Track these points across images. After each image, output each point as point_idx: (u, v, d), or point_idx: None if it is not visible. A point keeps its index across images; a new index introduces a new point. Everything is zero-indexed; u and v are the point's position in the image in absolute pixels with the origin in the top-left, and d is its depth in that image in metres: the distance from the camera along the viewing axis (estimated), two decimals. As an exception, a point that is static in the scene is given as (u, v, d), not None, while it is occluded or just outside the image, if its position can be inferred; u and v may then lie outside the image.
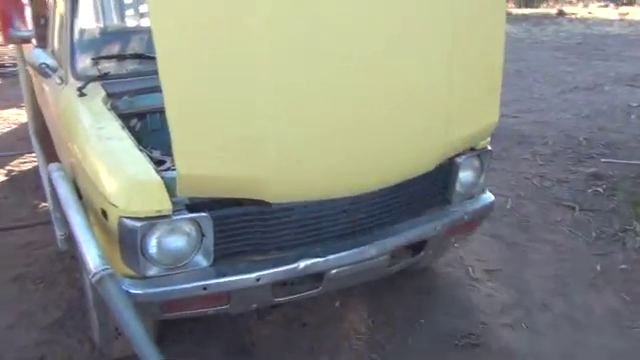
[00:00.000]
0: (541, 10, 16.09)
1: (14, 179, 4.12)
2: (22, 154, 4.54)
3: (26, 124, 5.21)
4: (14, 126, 5.37)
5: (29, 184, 3.99)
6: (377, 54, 1.74)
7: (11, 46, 8.48)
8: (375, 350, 2.35)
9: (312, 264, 1.92)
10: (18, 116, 5.65)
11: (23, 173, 4.23)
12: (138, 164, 1.81)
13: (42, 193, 3.65)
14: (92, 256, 1.59)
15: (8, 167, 4.33)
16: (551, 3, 17.15)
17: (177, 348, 2.31)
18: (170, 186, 1.72)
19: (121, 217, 1.70)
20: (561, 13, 14.83)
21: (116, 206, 1.71)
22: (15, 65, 7.37)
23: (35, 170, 4.17)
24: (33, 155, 4.36)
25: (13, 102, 6.05)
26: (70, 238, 2.37)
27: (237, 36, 1.57)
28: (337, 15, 1.67)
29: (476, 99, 2.03)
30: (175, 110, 1.53)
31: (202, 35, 1.54)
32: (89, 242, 1.65)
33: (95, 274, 1.53)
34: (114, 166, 1.82)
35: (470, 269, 2.96)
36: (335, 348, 2.37)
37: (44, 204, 3.65)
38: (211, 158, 1.62)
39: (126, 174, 1.77)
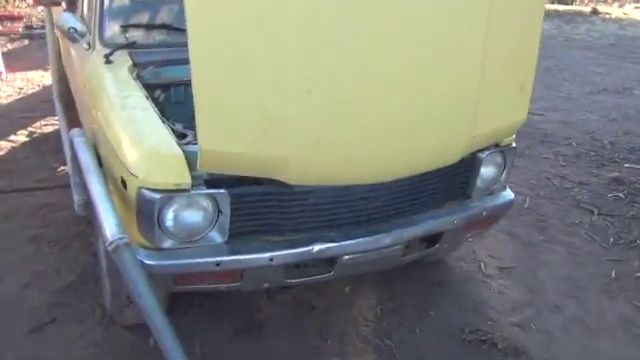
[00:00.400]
0: (574, 7, 15.73)
1: (35, 141, 4.16)
2: (45, 116, 4.58)
3: (50, 87, 5.27)
4: (38, 88, 5.41)
5: (49, 147, 4.03)
6: (407, 41, 1.70)
7: (40, 8, 8.53)
8: (382, 338, 2.35)
9: (326, 248, 1.91)
10: (42, 78, 5.69)
11: (44, 135, 4.27)
12: (160, 136, 1.81)
13: (62, 156, 3.69)
14: (110, 224, 1.59)
15: (30, 128, 4.37)
16: (585, 1, 16.75)
17: (186, 320, 2.33)
18: (190, 160, 1.72)
19: (140, 188, 1.70)
20: (595, 12, 14.48)
21: (136, 176, 1.71)
22: (43, 27, 7.44)
23: (56, 133, 4.21)
24: (55, 118, 4.41)
25: (39, 64, 6.09)
26: (88, 204, 2.39)
27: (266, 14, 1.54)
28: (370, 2, 1.64)
29: (506, 95, 1.98)
30: (201, 85, 1.52)
31: (232, 12, 1.52)
32: (107, 210, 1.65)
33: (111, 242, 1.54)
34: (136, 136, 1.82)
35: (482, 265, 2.94)
36: (343, 333, 2.37)
37: (63, 167, 3.69)
38: (233, 135, 1.61)
39: (148, 145, 1.77)
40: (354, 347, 2.31)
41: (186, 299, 2.41)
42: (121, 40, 2.49)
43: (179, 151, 1.73)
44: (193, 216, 1.77)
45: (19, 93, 5.21)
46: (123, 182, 1.79)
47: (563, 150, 4.68)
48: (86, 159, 1.94)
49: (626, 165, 4.38)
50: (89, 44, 2.54)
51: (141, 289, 1.52)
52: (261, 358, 2.23)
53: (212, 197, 1.76)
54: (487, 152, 2.19)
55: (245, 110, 1.61)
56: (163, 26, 2.61)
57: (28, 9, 8.78)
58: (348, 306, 2.55)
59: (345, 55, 1.64)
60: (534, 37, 1.99)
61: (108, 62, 2.33)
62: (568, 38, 10.58)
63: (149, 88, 2.24)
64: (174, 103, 2.43)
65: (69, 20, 2.53)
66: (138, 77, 2.28)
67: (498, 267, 2.93)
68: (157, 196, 1.68)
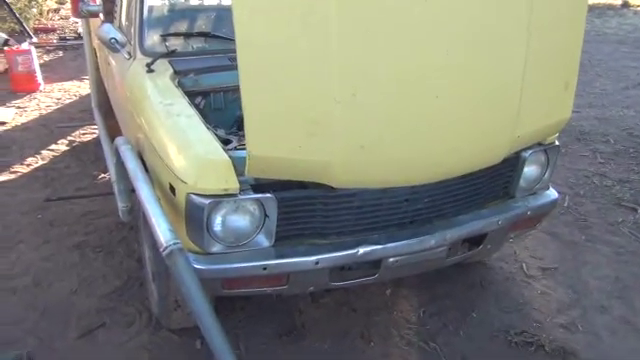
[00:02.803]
0: (604, 1, 15.39)
1: (75, 149, 4.26)
2: (83, 125, 4.69)
3: (86, 96, 5.41)
4: (75, 98, 5.54)
5: (89, 155, 4.12)
6: (449, 44, 1.70)
7: (72, 20, 8.75)
8: (426, 340, 2.34)
9: (371, 251, 1.92)
10: (78, 88, 5.82)
11: (84, 144, 4.37)
12: (207, 142, 1.84)
13: (102, 164, 3.78)
14: (162, 230, 1.62)
15: (70, 137, 4.47)
16: (615, -7, 16.35)
17: (230, 323, 2.36)
18: (237, 165, 1.74)
19: (189, 193, 1.73)
20: (626, 4, 14.13)
21: (185, 182, 1.74)
22: (76, 39, 7.63)
23: (95, 142, 4.32)
24: (93, 127, 4.51)
25: (74, 74, 6.24)
26: (132, 210, 2.45)
27: (311, 21, 1.56)
28: (410, 3, 1.64)
29: (550, 94, 1.96)
30: (249, 92, 1.54)
31: (278, 19, 1.55)
32: (159, 216, 1.68)
33: (166, 248, 1.57)
34: (184, 143, 1.86)
35: (524, 265, 2.90)
36: (385, 336, 2.37)
37: (103, 175, 3.77)
38: (281, 140, 1.63)
39: (196, 152, 1.80)
40: (398, 349, 2.30)
41: (229, 302, 2.44)
42: (161, 49, 2.54)
43: (226, 157, 1.76)
44: (240, 220, 1.79)
45: (57, 103, 5.35)
46: (171, 188, 1.83)
47: (601, 147, 4.58)
48: (133, 166, 1.98)
49: (667, 161, 4.27)
50: (130, 54, 2.59)
51: (194, 293, 1.55)
52: (305, 360, 2.24)
53: (259, 201, 1.78)
54: (530, 151, 2.16)
55: (291, 115, 1.63)
56: (201, 34, 2.66)
57: (61, 21, 8.99)
58: (389, 309, 2.54)
59: (389, 58, 1.65)
60: (578, 34, 1.96)
61: (150, 71, 2.38)
62: (599, 32, 10.35)
63: (190, 95, 2.28)
64: (214, 110, 2.47)
65: (110, 31, 2.59)
66: (179, 85, 2.32)
67: (540, 267, 2.89)
68: (206, 201, 1.71)
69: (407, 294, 2.64)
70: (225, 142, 1.97)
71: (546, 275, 2.83)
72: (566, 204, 3.54)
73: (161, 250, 1.59)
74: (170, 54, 2.50)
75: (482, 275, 2.81)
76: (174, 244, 1.57)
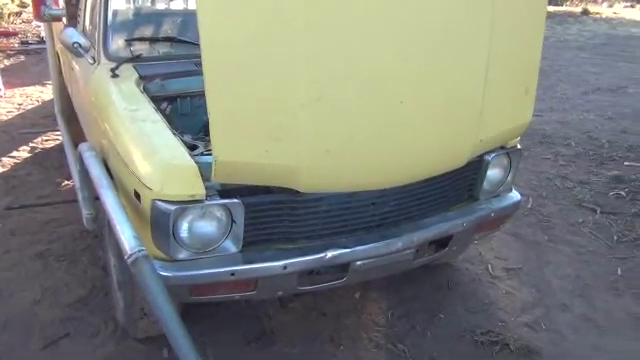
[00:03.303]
0: (565, 8, 15.87)
1: (37, 156, 4.16)
2: (45, 132, 4.58)
3: (49, 101, 5.29)
4: (37, 103, 5.42)
5: (52, 162, 4.03)
6: (413, 48, 1.73)
7: (34, 24, 8.56)
8: (394, 342, 2.36)
9: (339, 255, 1.93)
10: (41, 93, 5.70)
11: (46, 150, 4.28)
12: (173, 148, 1.82)
13: (65, 171, 3.70)
14: (127, 237, 1.60)
15: (32, 144, 4.37)
16: (575, 2, 16.90)
17: (198, 331, 2.32)
18: (203, 171, 1.73)
19: (154, 200, 1.71)
20: (585, 12, 14.62)
21: (150, 189, 1.72)
22: (38, 43, 7.47)
23: (58, 148, 4.23)
24: (56, 133, 4.42)
25: (36, 79, 6.11)
26: (97, 218, 2.40)
27: (276, 25, 1.56)
28: (374, 8, 1.66)
29: (511, 98, 2.02)
30: (214, 97, 1.54)
31: (243, 23, 1.55)
32: (124, 223, 1.66)
33: (131, 255, 1.55)
34: (149, 149, 1.84)
35: (489, 266, 2.96)
36: (354, 339, 2.38)
37: (67, 182, 3.70)
38: (247, 145, 1.63)
39: (161, 157, 1.79)
40: (367, 352, 2.32)
41: (196, 309, 2.41)
42: (126, 53, 2.51)
43: (192, 162, 1.75)
44: (207, 226, 1.78)
45: (19, 109, 5.22)
46: (137, 195, 1.80)
47: (562, 150, 4.72)
48: (98, 173, 1.94)
49: (625, 163, 4.42)
50: (94, 58, 2.55)
51: (160, 301, 1.53)
52: (275, 366, 2.24)
53: (226, 207, 1.77)
54: (493, 154, 2.21)
55: (257, 120, 1.63)
56: (167, 39, 2.63)
57: (23, 25, 8.79)
58: (359, 312, 2.56)
59: (353, 63, 1.66)
60: (537, 40, 2.02)
61: (114, 76, 2.35)
62: (560, 39, 10.67)
63: (155, 100, 2.25)
64: (180, 115, 2.45)
65: (73, 35, 2.54)
66: (145, 90, 2.29)
67: (505, 268, 2.96)
68: (172, 207, 1.69)
69: (376, 297, 2.66)
70: (192, 148, 1.95)
71: (510, 275, 2.90)
72: (529, 206, 3.63)
73: (126, 258, 1.56)
74: (135, 59, 2.47)
75: (449, 276, 2.85)
76: (139, 251, 1.55)
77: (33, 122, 4.86)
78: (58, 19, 3.25)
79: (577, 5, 16.34)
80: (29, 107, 5.30)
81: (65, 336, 2.31)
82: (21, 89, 5.78)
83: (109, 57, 2.49)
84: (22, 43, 7.67)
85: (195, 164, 1.74)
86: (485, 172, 2.23)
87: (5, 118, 4.97)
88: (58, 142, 4.35)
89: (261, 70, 1.58)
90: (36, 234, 3.07)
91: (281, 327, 2.44)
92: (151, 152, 1.82)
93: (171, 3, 2.93)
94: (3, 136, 4.51)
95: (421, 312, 2.56)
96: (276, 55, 1.58)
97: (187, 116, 2.47)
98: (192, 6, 2.82)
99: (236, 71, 1.56)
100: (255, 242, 1.89)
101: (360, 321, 2.50)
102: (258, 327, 2.42)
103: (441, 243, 2.25)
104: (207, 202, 1.74)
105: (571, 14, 14.57)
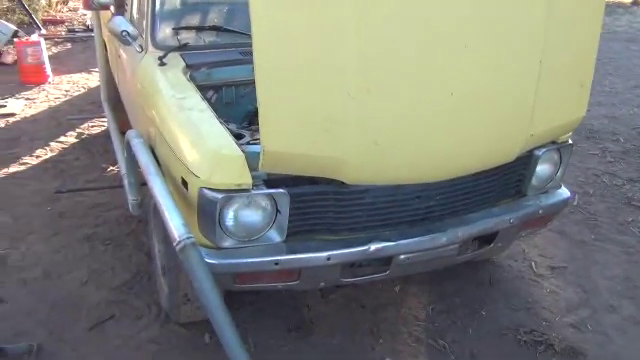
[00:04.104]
0: (614, -2, 15.27)
1: (84, 142, 4.27)
2: (92, 118, 4.69)
3: (95, 89, 5.42)
4: (83, 90, 5.55)
5: (98, 147, 4.13)
6: (465, 39, 1.68)
7: (80, 12, 8.76)
8: (435, 338, 2.34)
9: (383, 248, 1.91)
10: (87, 80, 5.83)
11: (92, 136, 4.38)
12: (221, 137, 1.83)
13: (110, 157, 3.79)
14: (176, 224, 1.62)
15: (79, 130, 4.48)
16: (626, -9, 16.22)
17: (239, 318, 2.35)
18: (250, 161, 1.74)
19: (202, 188, 1.73)
20: (636, 2, 14.02)
21: (198, 177, 1.74)
22: (84, 31, 7.64)
23: (104, 134, 4.32)
24: (102, 119, 4.52)
25: (82, 66, 6.25)
26: (142, 204, 2.45)
27: (328, 16, 1.55)
28: (427, 2, 1.63)
29: (565, 92, 1.95)
30: (265, 88, 1.53)
31: (295, 14, 1.54)
32: (172, 210, 1.68)
33: (179, 242, 1.57)
34: (197, 137, 1.85)
35: (533, 264, 2.89)
36: (394, 332, 2.37)
37: (112, 168, 3.78)
38: (295, 136, 1.62)
39: (210, 146, 1.80)
40: (406, 346, 2.30)
41: (238, 297, 2.44)
42: (173, 42, 2.53)
43: (240, 152, 1.76)
44: (253, 215, 1.79)
45: (66, 95, 5.35)
46: (184, 182, 1.83)
47: (610, 146, 4.56)
48: (146, 160, 1.97)
49: (678, 161, 4.24)
50: (141, 47, 2.58)
51: (206, 288, 1.55)
52: (314, 355, 2.24)
53: (271, 197, 1.78)
54: (544, 149, 2.15)
55: (306, 111, 1.62)
56: (213, 27, 2.64)
57: (70, 13, 9.00)
58: (398, 305, 2.54)
59: (404, 55, 1.64)
60: (594, 32, 1.95)
61: (162, 64, 2.38)
62: (609, 30, 10.26)
63: (201, 89, 2.27)
64: (225, 104, 2.46)
65: (122, 23, 2.57)
66: (191, 78, 2.31)
67: (549, 266, 2.88)
68: (219, 196, 1.70)
69: (416, 291, 2.64)
70: (238, 137, 1.96)
71: (555, 274, 2.82)
72: (575, 203, 3.53)
73: (174, 244, 1.59)
74: (182, 48, 2.49)
75: (491, 273, 2.80)
76: (187, 238, 1.57)
77: (80, 108, 4.98)
78: (106, 8, 3.29)
79: (627, -5, 15.69)
80: (76, 94, 5.43)
81: (110, 318, 2.38)
82: (68, 76, 5.93)
83: (156, 46, 2.51)
84: (69, 31, 7.85)
85: (242, 153, 1.75)
86: (534, 167, 2.17)
87: (53, 104, 5.10)
88: (104, 128, 4.45)
89: (311, 62, 1.57)
90: (83, 218, 3.16)
91: (321, 317, 2.44)
92: (199, 141, 1.83)
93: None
94: (51, 121, 4.64)
95: (462, 308, 2.53)
96: (327, 46, 1.56)
97: (231, 105, 2.48)
98: (239, -5, 2.83)
99: (286, 63, 1.55)
100: (299, 232, 1.89)
101: (400, 315, 2.48)
102: (298, 316, 2.44)
103: (486, 239, 2.20)
104: (253, 191, 1.74)
105: (620, 4, 13.99)
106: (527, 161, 2.16)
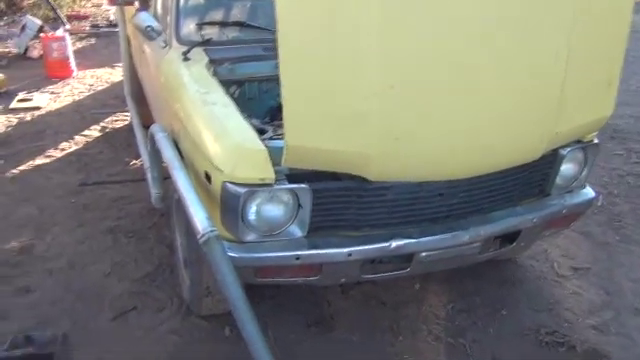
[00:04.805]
0: (641, -5, 14.96)
1: (108, 135, 4.33)
2: (115, 112, 4.75)
3: (118, 83, 5.48)
4: (107, 85, 5.62)
5: (121, 141, 4.18)
6: (491, 35, 1.67)
7: (104, 7, 8.86)
8: (455, 336, 2.32)
9: (404, 244, 1.91)
10: (110, 75, 5.90)
11: (116, 130, 4.44)
12: (244, 131, 1.85)
13: (133, 150, 3.83)
14: (200, 218, 1.64)
15: (102, 124, 4.54)
16: (653, -12, 15.89)
17: (260, 312, 2.35)
18: (273, 155, 1.75)
19: (225, 182, 1.74)
20: (664, 0, 13.72)
21: (222, 171, 1.75)
22: (108, 26, 7.73)
23: (127, 128, 4.38)
24: (125, 114, 4.57)
25: (106, 61, 6.32)
26: (165, 197, 2.48)
27: (351, 13, 1.54)
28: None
29: (592, 90, 1.92)
30: (289, 82, 1.54)
31: (320, 10, 1.54)
32: (196, 204, 1.70)
33: (203, 235, 1.59)
34: (221, 132, 1.87)
35: (555, 264, 2.86)
36: (414, 330, 2.36)
37: (135, 161, 3.83)
38: (319, 131, 1.63)
39: (233, 141, 1.81)
40: (426, 344, 2.29)
41: (259, 290, 2.45)
42: (197, 38, 2.55)
43: (263, 146, 1.77)
44: (275, 210, 1.80)
45: (89, 90, 5.43)
46: (207, 176, 1.84)
47: (636, 146, 4.46)
48: (170, 154, 2.00)
49: None
50: (165, 42, 2.61)
51: (229, 280, 1.57)
52: (333, 351, 2.25)
53: (293, 192, 1.78)
54: (569, 149, 2.12)
55: (329, 106, 1.62)
56: (236, 23, 2.66)
57: (93, 9, 9.11)
58: (418, 303, 2.53)
59: (428, 51, 1.62)
60: (623, 29, 1.91)
61: (186, 59, 2.40)
62: (637, 29, 10.05)
63: (224, 84, 2.28)
64: (247, 99, 2.48)
65: (147, 19, 2.61)
66: (215, 73, 2.33)
67: (572, 267, 2.84)
68: (242, 190, 1.72)
69: (436, 289, 2.63)
70: (260, 132, 1.97)
71: (578, 275, 2.79)
72: (600, 203, 3.46)
73: (198, 237, 1.60)
74: (205, 43, 2.51)
75: (512, 273, 2.77)
76: (211, 232, 1.59)
77: (103, 103, 5.05)
78: (130, 3, 3.34)
79: (655, -7, 15.36)
80: (99, 88, 5.51)
81: (133, 309, 2.42)
82: (92, 71, 6.01)
83: (180, 41, 2.54)
84: (93, 26, 7.95)
85: (265, 148, 1.76)
86: (559, 166, 2.14)
87: (77, 98, 5.18)
88: (127, 122, 4.50)
89: (336, 56, 1.57)
90: (106, 210, 3.21)
91: (341, 313, 2.45)
92: (223, 135, 1.85)
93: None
94: (76, 115, 4.71)
95: (483, 307, 2.51)
96: (351, 41, 1.56)
97: (254, 100, 2.50)
98: (261, -9, 2.84)
99: (311, 57, 1.56)
100: (320, 228, 1.90)
101: (420, 312, 2.47)
102: (318, 312, 2.44)
103: (508, 238, 2.18)
104: (276, 186, 1.75)
105: (648, 2, 13.72)
106: (552, 160, 2.13)
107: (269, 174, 1.73)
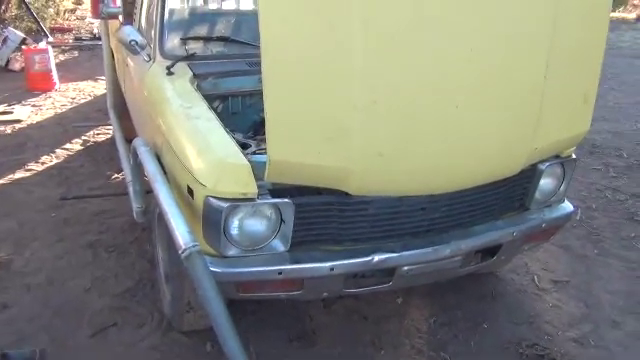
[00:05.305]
0: (617, 14, 15.35)
1: (89, 149, 4.30)
2: (97, 126, 4.72)
3: (100, 96, 5.46)
4: (89, 97, 5.59)
5: (103, 155, 4.16)
6: (471, 53, 1.70)
7: (87, 20, 8.84)
8: (437, 350, 2.33)
9: (386, 259, 1.92)
10: (93, 88, 5.87)
11: (98, 144, 4.41)
12: (227, 146, 1.85)
13: (115, 165, 3.81)
14: (181, 232, 1.64)
15: (84, 137, 4.51)
16: (629, 8, 16.31)
17: (241, 327, 2.34)
18: (256, 170, 1.75)
19: (208, 196, 1.74)
20: (639, 18, 14.10)
21: (204, 185, 1.75)
22: (91, 39, 7.71)
23: (108, 142, 4.35)
24: (107, 127, 4.55)
25: (89, 74, 6.30)
26: (147, 211, 2.47)
27: (335, 28, 1.57)
28: (432, 12, 1.64)
29: (569, 106, 1.96)
30: (272, 97, 1.55)
31: (303, 25, 1.56)
32: (178, 218, 1.69)
33: (185, 250, 1.58)
34: (204, 146, 1.87)
35: (536, 278, 2.89)
36: (396, 344, 2.37)
37: (116, 175, 3.80)
38: (301, 146, 1.64)
39: (216, 155, 1.81)
40: (408, 358, 2.30)
41: (241, 306, 2.44)
42: (181, 52, 2.56)
43: (246, 161, 1.77)
44: (257, 225, 1.80)
45: (72, 103, 5.40)
46: (189, 190, 1.84)
47: (613, 161, 4.56)
48: (152, 168, 1.99)
49: (681, 177, 4.24)
50: (149, 56, 2.61)
51: (211, 296, 1.56)
52: (316, 366, 2.24)
53: (276, 206, 1.79)
54: (547, 164, 2.16)
55: (312, 121, 1.64)
56: (220, 38, 2.67)
57: (77, 21, 9.08)
58: (400, 317, 2.54)
59: (410, 67, 1.65)
60: (598, 46, 1.96)
61: (169, 73, 2.40)
62: (613, 46, 10.31)
63: (208, 99, 2.29)
64: (231, 113, 2.49)
65: (131, 33, 2.61)
66: (198, 88, 2.34)
67: (552, 280, 2.88)
68: (225, 204, 1.72)
69: (418, 303, 2.64)
70: (243, 146, 1.98)
71: (558, 288, 2.82)
72: (578, 217, 3.52)
73: (180, 252, 1.60)
74: (189, 57, 2.51)
75: (493, 286, 2.80)
76: (193, 246, 1.58)
77: (86, 116, 5.02)
78: (115, 17, 3.34)
79: (631, 11, 15.77)
80: (82, 101, 5.48)
81: (113, 325, 2.38)
82: (74, 83, 5.98)
83: (164, 55, 2.54)
84: (76, 39, 7.93)
85: (248, 163, 1.76)
86: (538, 181, 2.18)
87: (59, 111, 5.15)
88: (109, 136, 4.48)
89: (318, 72, 1.59)
90: (87, 224, 3.18)
91: (322, 328, 2.44)
92: (206, 149, 1.85)
93: (224, 3, 2.97)
94: (58, 128, 4.68)
95: (464, 321, 2.52)
96: (334, 57, 1.58)
97: (237, 115, 2.50)
98: (246, 7, 2.87)
99: (293, 73, 1.57)
100: (302, 242, 1.90)
101: (402, 326, 2.48)
102: (300, 327, 2.44)
103: (489, 252, 2.21)
104: (258, 201, 1.76)
105: (625, 20, 14.08)
106: (531, 175, 2.16)
107: (252, 189, 1.74)
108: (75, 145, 4.36)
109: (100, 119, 4.84)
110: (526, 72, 1.80)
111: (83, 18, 9.32)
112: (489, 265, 2.34)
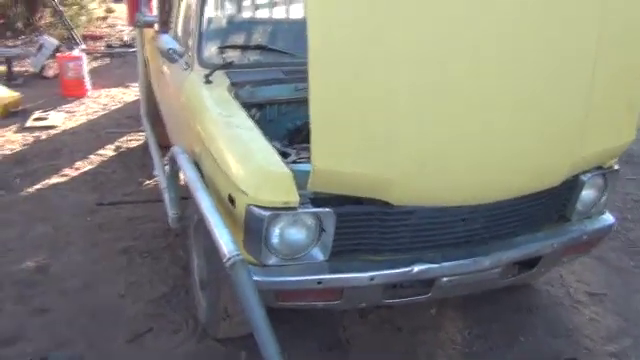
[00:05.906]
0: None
1: (121, 155, 4.36)
2: (129, 132, 4.79)
3: (131, 103, 5.54)
4: (120, 104, 5.67)
5: (135, 161, 4.20)
6: (517, 62, 1.69)
7: (118, 27, 8.99)
8: (473, 362, 2.30)
9: (426, 269, 1.90)
10: (124, 95, 5.95)
11: (130, 150, 4.46)
12: (269, 155, 1.86)
13: (147, 170, 3.85)
14: (225, 241, 1.64)
15: (117, 143, 4.57)
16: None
17: (276, 336, 2.35)
18: (298, 179, 1.76)
19: (249, 205, 1.75)
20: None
21: (246, 194, 1.76)
22: (121, 46, 7.84)
23: (141, 148, 4.40)
24: (139, 133, 4.61)
25: (120, 81, 6.38)
26: (182, 218, 2.49)
27: (382, 38, 1.57)
28: (478, 21, 1.63)
29: (614, 116, 1.93)
30: (318, 107, 1.55)
31: (351, 33, 1.56)
32: (221, 227, 1.70)
33: (229, 259, 1.59)
34: (245, 155, 1.88)
35: (571, 290, 2.84)
36: (430, 355, 2.35)
37: (148, 181, 3.84)
38: (346, 155, 1.64)
39: (258, 164, 1.82)
40: (444, 370, 2.27)
41: (275, 314, 2.43)
42: (218, 60, 2.58)
43: (288, 170, 1.78)
44: (298, 234, 1.80)
45: (104, 109, 5.48)
46: (230, 199, 1.85)
47: (650, 171, 4.46)
48: (193, 176, 2.00)
49: None
50: (187, 64, 2.64)
51: (254, 304, 1.56)
52: (350, 376, 2.23)
53: (317, 216, 1.79)
54: (589, 175, 2.12)
55: (356, 130, 1.64)
56: (257, 47, 2.69)
57: (108, 29, 9.24)
58: (435, 328, 2.51)
59: (455, 78, 1.64)
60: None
61: (208, 82, 2.42)
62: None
63: (245, 107, 2.30)
64: (268, 121, 2.50)
65: (169, 42, 2.65)
66: (236, 96, 2.35)
67: (588, 293, 2.82)
68: (266, 213, 1.72)
69: (452, 315, 2.61)
70: (283, 155, 1.98)
71: (594, 301, 2.76)
72: (614, 229, 3.45)
73: (224, 261, 1.60)
74: (227, 66, 2.53)
75: (529, 298, 2.75)
76: (237, 255, 1.59)
77: (117, 122, 5.09)
78: (150, 25, 3.39)
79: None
80: (113, 107, 5.56)
81: (149, 331, 2.40)
82: (106, 90, 6.07)
83: (202, 64, 2.56)
84: (107, 46, 8.06)
85: (290, 171, 1.77)
86: (580, 192, 2.15)
87: (92, 117, 5.23)
88: (140, 142, 4.53)
89: (364, 82, 1.59)
90: (121, 230, 3.21)
91: (357, 338, 2.43)
92: (248, 158, 1.86)
93: (260, 12, 3.00)
94: (91, 134, 4.75)
95: (500, 333, 2.49)
96: (380, 66, 1.58)
97: (274, 123, 2.51)
98: (282, 15, 2.88)
99: (341, 80, 1.57)
100: (342, 252, 1.89)
101: (436, 338, 2.45)
102: (333, 336, 2.43)
103: (528, 263, 2.17)
104: (300, 210, 1.76)
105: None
106: (573, 186, 2.13)
107: (294, 197, 1.74)
108: (108, 151, 4.42)
109: (131, 125, 4.90)
110: (572, 81, 1.77)
111: (114, 26, 9.46)
112: (527, 277, 2.30)
